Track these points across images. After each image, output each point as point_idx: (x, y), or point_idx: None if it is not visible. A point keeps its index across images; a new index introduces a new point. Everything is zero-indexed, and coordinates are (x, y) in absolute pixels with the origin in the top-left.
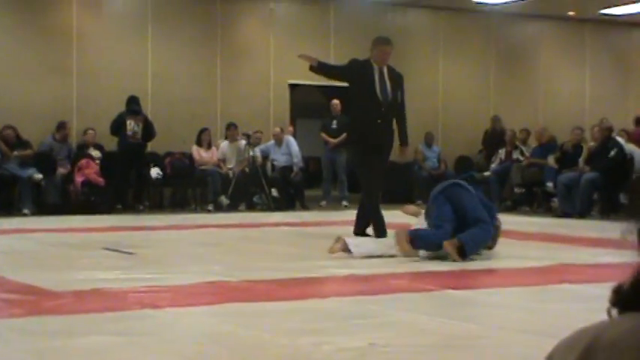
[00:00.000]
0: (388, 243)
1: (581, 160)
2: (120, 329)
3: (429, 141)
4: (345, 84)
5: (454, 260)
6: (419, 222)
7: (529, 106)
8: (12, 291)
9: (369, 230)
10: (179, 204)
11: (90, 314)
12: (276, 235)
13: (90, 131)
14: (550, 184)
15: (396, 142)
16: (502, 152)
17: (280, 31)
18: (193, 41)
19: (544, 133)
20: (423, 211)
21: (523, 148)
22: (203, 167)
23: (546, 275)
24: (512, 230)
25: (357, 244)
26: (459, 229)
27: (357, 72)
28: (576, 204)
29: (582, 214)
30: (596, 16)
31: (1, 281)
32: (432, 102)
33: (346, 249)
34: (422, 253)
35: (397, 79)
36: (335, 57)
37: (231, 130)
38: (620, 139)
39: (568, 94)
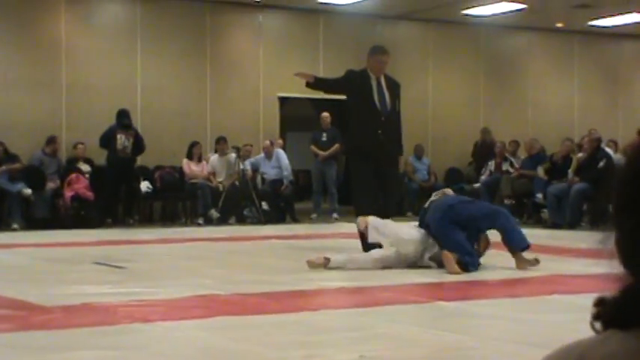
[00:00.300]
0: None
1: (570, 171)
2: (110, 344)
3: (418, 153)
4: (336, 96)
5: (451, 273)
6: (376, 236)
7: (518, 117)
8: (1, 306)
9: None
10: (169, 218)
11: (80, 329)
12: (266, 248)
13: (80, 145)
14: (540, 196)
15: None
16: (492, 164)
17: (270, 44)
18: (183, 54)
19: (534, 145)
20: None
21: (513, 160)
22: (193, 181)
23: (537, 286)
24: None
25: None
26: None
27: (355, 83)
28: (566, 215)
29: (572, 224)
30: (585, 27)
31: None
32: (421, 114)
33: (326, 265)
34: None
35: (394, 88)
36: (324, 69)
37: (220, 144)
38: (609, 150)
39: (557, 106)
